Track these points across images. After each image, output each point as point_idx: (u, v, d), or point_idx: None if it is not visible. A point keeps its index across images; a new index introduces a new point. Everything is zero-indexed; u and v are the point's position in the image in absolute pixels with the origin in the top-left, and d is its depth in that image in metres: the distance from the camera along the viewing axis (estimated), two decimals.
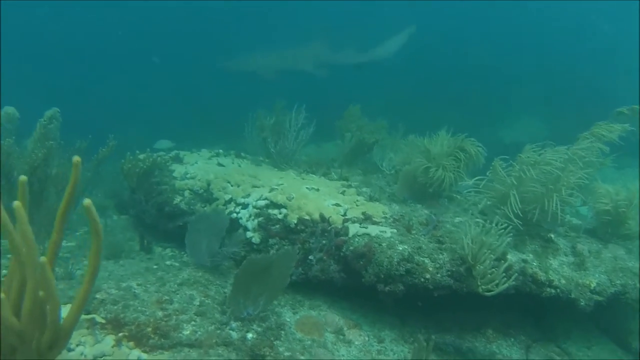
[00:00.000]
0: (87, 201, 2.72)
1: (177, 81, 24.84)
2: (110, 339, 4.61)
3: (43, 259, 2.64)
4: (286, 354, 5.05)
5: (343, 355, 5.46)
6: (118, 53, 30.30)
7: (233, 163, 8.63)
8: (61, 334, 3.00)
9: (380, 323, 6.22)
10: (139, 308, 5.20)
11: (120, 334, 4.73)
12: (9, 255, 6.05)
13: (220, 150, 9.59)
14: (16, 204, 2.61)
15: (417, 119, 12.41)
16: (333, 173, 8.33)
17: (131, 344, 4.64)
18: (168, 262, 7.28)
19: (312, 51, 13.35)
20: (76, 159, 2.80)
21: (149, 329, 4.85)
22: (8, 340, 2.85)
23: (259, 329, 5.27)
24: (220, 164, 8.50)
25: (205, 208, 7.42)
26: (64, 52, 29.99)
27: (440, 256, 5.73)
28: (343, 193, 7.13)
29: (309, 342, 5.45)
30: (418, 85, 22.16)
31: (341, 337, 5.74)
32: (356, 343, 5.72)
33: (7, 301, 2.66)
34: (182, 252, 7.68)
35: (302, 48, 13.56)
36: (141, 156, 8.35)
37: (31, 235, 2.66)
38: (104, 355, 4.40)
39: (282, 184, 7.19)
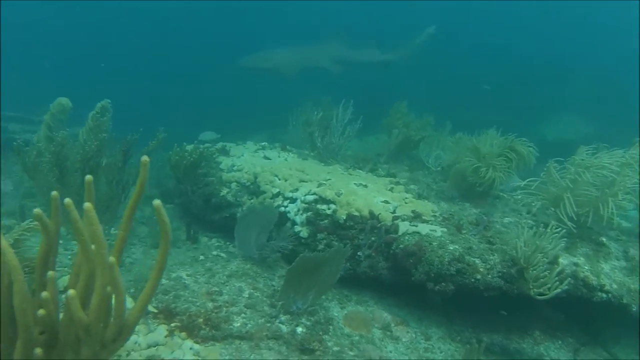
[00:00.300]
0: (157, 202, 2.75)
1: (217, 75, 25.00)
2: (163, 329, 4.67)
3: (112, 259, 2.69)
4: (335, 348, 5.07)
5: (391, 352, 5.46)
6: (157, 49, 30.78)
7: (279, 156, 8.64)
8: (125, 327, 3.04)
9: (427, 320, 6.20)
10: (190, 299, 5.26)
11: (173, 324, 4.80)
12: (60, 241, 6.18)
13: (266, 143, 9.61)
14: (87, 205, 2.65)
15: (459, 115, 12.32)
16: (380, 169, 8.27)
17: (183, 334, 4.70)
18: (214, 253, 7.35)
19: (332, 49, 13.56)
20: (145, 159, 2.82)
21: (200, 320, 4.91)
22: (74, 332, 2.91)
23: (308, 323, 5.30)
24: (266, 157, 8.52)
25: (252, 200, 7.46)
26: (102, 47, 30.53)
27: (491, 257, 5.69)
28: (391, 190, 7.10)
29: (357, 337, 5.46)
30: (459, 82, 21.91)
31: (388, 333, 5.75)
32: (403, 340, 5.71)
33: (76, 297, 2.71)
34: (228, 243, 7.75)
35: (323, 45, 13.77)
36: (188, 148, 8.42)
37: (101, 235, 2.70)
38: (158, 345, 4.46)
39: (329, 179, 7.19)
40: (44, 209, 3.03)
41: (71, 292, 2.66)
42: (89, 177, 2.99)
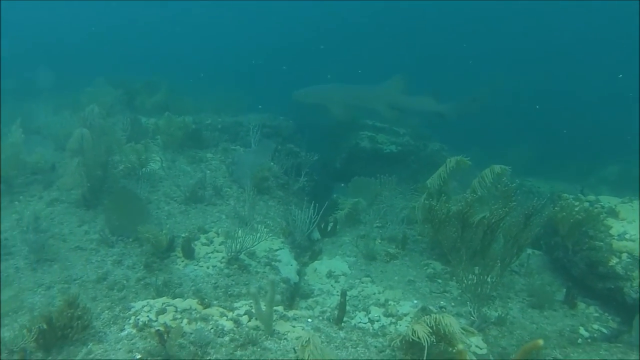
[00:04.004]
0: None
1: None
2: None
3: None
4: None
5: None
6: None
7: None
8: None
9: None
10: None
11: None
12: None
13: None
14: None
15: None
16: None
17: None
18: (595, 326, 7.04)
19: (388, 92, 13.30)
20: None
21: None
22: None
23: None
24: None
25: None
26: None
27: None
28: None
29: None
30: None
31: None
32: None
33: None
34: (607, 315, 7.37)
35: (378, 88, 13.53)
36: (576, 203, 8.13)
37: None
38: None
39: None
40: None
41: None
42: None
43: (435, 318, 4.80)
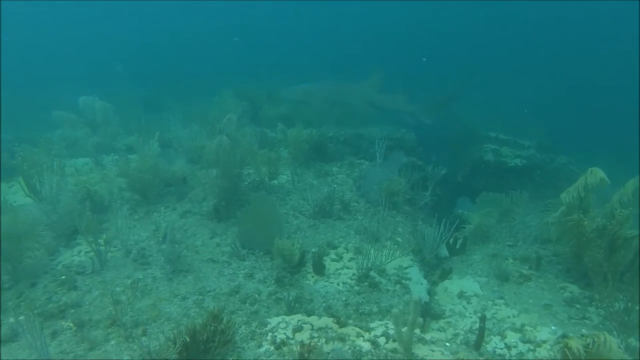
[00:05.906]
0: None
1: None
2: None
3: None
4: None
5: None
6: None
7: None
8: None
9: None
10: None
11: None
12: None
13: None
14: None
15: None
16: None
17: None
18: None
19: (364, 89, 13.78)
20: None
21: None
22: None
23: None
24: None
25: None
26: None
27: None
28: None
29: None
30: None
31: None
32: None
33: None
34: None
35: (355, 84, 14.13)
36: None
37: None
38: None
39: None
40: None
41: None
42: None
43: (595, 335, 4.52)
